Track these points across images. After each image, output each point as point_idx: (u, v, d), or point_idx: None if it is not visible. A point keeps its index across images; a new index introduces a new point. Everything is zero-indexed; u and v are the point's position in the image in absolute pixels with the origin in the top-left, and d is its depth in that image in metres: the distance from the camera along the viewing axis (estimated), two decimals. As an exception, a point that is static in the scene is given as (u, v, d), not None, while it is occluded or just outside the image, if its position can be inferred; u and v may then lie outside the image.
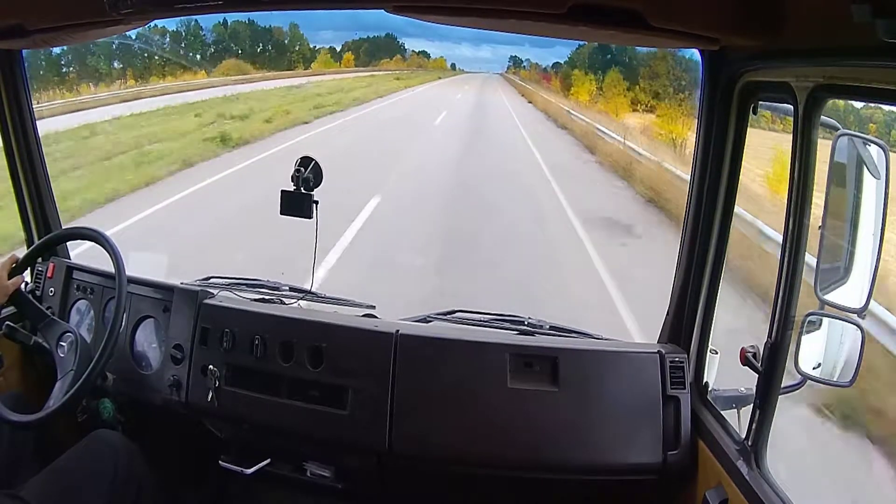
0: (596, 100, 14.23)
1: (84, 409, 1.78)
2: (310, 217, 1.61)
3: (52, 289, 1.88)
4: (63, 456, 1.48)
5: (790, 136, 1.15)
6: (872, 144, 1.15)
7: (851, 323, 1.17)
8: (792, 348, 1.22)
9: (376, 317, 1.73)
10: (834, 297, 1.17)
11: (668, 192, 7.19)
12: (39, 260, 1.90)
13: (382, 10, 1.24)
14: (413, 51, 20.50)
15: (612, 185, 8.71)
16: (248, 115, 12.18)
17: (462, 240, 5.94)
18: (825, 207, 1.18)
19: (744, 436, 1.30)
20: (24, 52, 1.81)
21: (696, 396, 1.52)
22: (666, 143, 10.36)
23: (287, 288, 1.84)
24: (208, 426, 1.72)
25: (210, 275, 1.89)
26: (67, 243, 1.98)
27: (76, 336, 1.62)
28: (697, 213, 1.47)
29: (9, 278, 1.63)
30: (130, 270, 1.68)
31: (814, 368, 1.22)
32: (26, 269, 1.74)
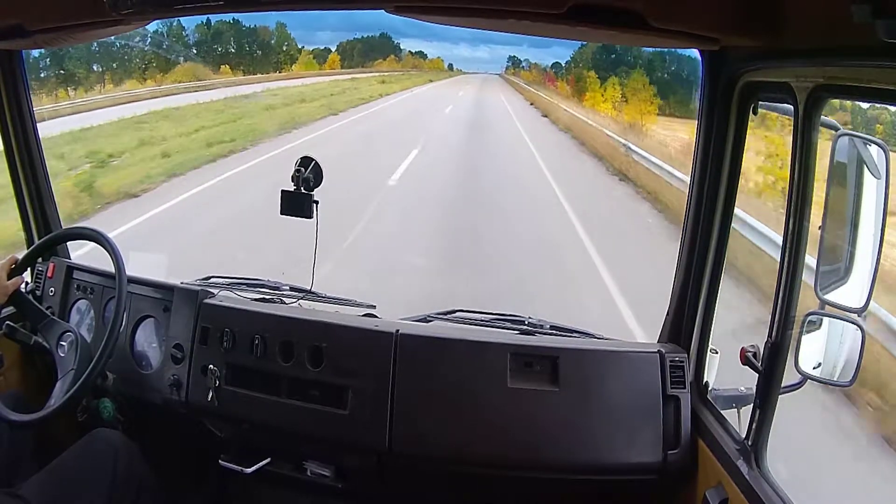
0: (619, 107, 11.39)
1: (84, 408, 1.78)
2: (310, 217, 1.61)
3: (53, 289, 1.88)
4: (63, 455, 1.48)
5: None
6: (873, 144, 1.15)
7: (852, 323, 1.17)
8: (792, 348, 1.22)
9: (376, 316, 1.73)
10: (834, 296, 1.17)
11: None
12: (39, 260, 1.90)
13: (381, 11, 1.25)
14: (409, 51, 18.97)
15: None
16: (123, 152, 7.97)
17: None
18: (825, 207, 1.18)
19: (744, 435, 1.30)
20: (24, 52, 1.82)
21: (696, 396, 1.52)
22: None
23: (287, 288, 1.84)
24: (208, 426, 1.72)
25: (210, 274, 1.89)
26: (67, 243, 1.98)
27: (76, 336, 1.62)
28: (697, 213, 1.47)
29: (8, 279, 1.63)
30: (130, 270, 1.68)
31: (814, 368, 1.22)
32: (26, 269, 1.74)
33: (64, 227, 1.96)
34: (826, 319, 1.20)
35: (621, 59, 12.01)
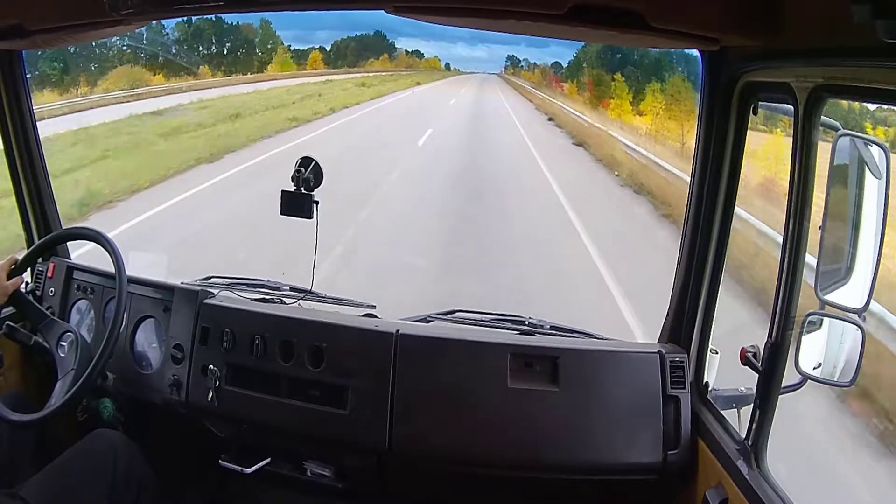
0: (660, 120, 8.85)
1: (84, 408, 1.78)
2: (310, 217, 1.61)
3: (53, 289, 1.88)
4: (63, 455, 1.48)
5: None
6: (873, 145, 1.15)
7: (852, 323, 1.17)
8: (792, 348, 1.22)
9: (377, 316, 1.73)
10: (834, 297, 1.17)
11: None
12: (40, 260, 1.90)
13: (381, 11, 1.24)
14: (405, 50, 17.80)
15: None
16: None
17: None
18: (826, 207, 1.18)
19: (744, 435, 1.30)
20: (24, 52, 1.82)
21: (696, 396, 1.52)
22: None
23: (287, 288, 1.84)
24: (208, 426, 1.72)
25: (210, 274, 1.89)
26: (68, 243, 1.98)
27: (76, 336, 1.62)
28: (697, 213, 1.47)
29: (8, 279, 1.63)
30: (130, 270, 1.68)
31: (814, 368, 1.22)
32: (26, 269, 1.74)
33: (64, 227, 1.97)
34: (826, 320, 1.20)
35: (627, 59, 10.91)
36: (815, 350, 1.22)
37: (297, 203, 1.61)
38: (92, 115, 8.77)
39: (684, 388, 1.51)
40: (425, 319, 1.73)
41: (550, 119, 12.07)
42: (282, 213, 1.62)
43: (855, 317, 1.17)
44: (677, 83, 9.09)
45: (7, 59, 1.77)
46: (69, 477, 1.45)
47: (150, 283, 1.79)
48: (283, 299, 1.80)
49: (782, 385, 1.24)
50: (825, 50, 1.03)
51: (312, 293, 1.80)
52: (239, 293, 1.80)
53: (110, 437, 1.56)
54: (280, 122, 11.09)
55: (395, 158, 8.53)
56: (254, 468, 1.66)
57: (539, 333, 1.67)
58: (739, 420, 1.41)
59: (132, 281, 1.72)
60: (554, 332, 1.69)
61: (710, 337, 1.52)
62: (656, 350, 1.54)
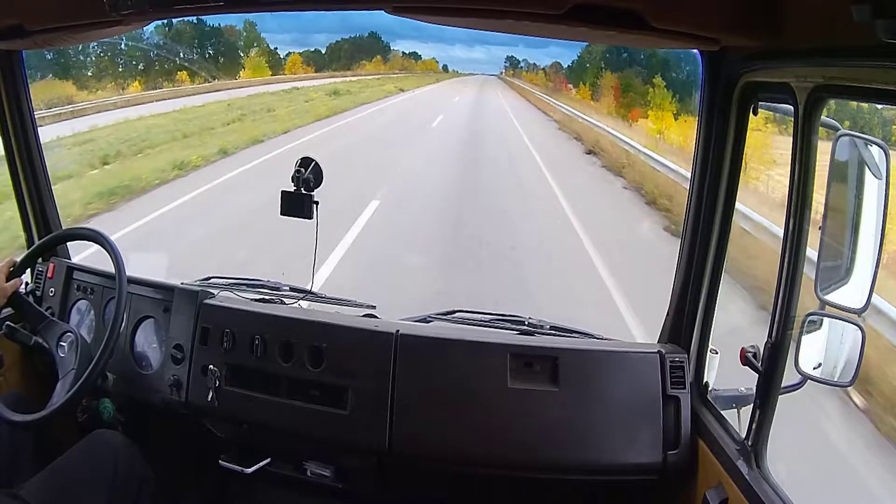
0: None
1: (84, 408, 1.78)
2: (310, 217, 1.61)
3: (53, 289, 1.88)
4: (63, 455, 1.48)
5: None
6: (873, 145, 1.15)
7: (852, 323, 1.17)
8: (792, 348, 1.22)
9: (376, 317, 1.73)
10: (834, 297, 1.17)
11: None
12: (40, 260, 1.90)
13: (380, 13, 1.24)
14: (402, 52, 16.59)
15: None
16: None
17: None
18: (825, 207, 1.18)
19: (744, 435, 1.30)
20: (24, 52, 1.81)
21: (696, 396, 1.52)
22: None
23: (287, 288, 1.84)
24: (208, 426, 1.72)
25: (210, 275, 1.89)
26: (68, 244, 1.98)
27: (76, 336, 1.62)
28: (697, 213, 1.47)
29: (7, 280, 1.63)
30: (130, 270, 1.68)
31: (814, 368, 1.22)
32: (25, 270, 1.73)
33: (64, 228, 1.97)
34: (826, 320, 1.20)
35: (634, 59, 9.88)
36: (815, 350, 1.22)
37: (297, 203, 1.61)
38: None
39: (684, 388, 1.51)
40: (425, 320, 1.73)
41: (577, 138, 8.66)
42: (282, 214, 1.62)
43: (855, 317, 1.17)
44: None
45: (7, 59, 1.77)
46: (69, 477, 1.45)
47: (149, 283, 1.78)
48: (283, 299, 1.80)
49: (782, 385, 1.24)
50: (825, 50, 1.03)
51: (312, 293, 1.80)
52: (239, 293, 1.80)
53: (110, 438, 1.56)
54: (154, 171, 7.35)
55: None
56: (254, 468, 1.66)
57: (539, 333, 1.67)
58: (739, 420, 1.41)
59: (132, 281, 1.72)
60: (554, 332, 1.69)
61: (710, 337, 1.52)
62: (656, 350, 1.54)
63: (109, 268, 1.68)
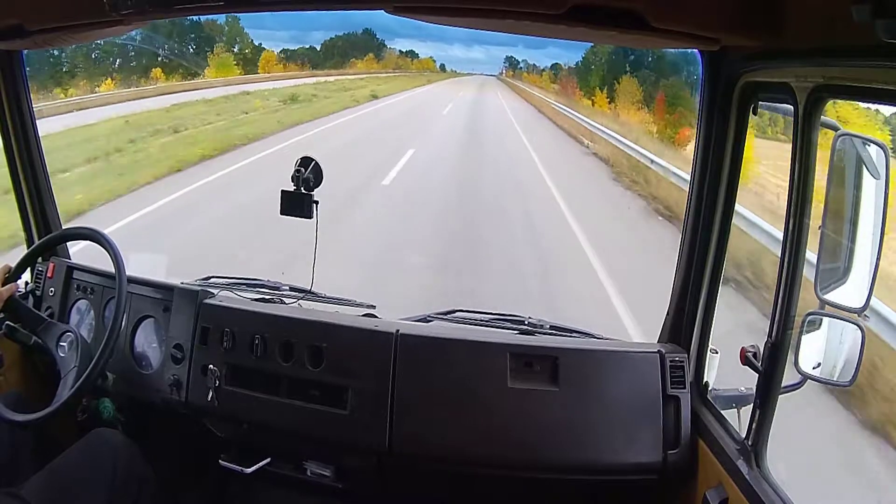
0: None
1: (84, 408, 1.78)
2: (310, 217, 1.61)
3: (53, 289, 1.88)
4: (63, 455, 1.48)
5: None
6: (872, 144, 1.15)
7: (851, 323, 1.17)
8: (792, 348, 1.22)
9: (376, 316, 1.73)
10: (834, 296, 1.17)
11: None
12: (39, 260, 1.90)
13: (379, 12, 1.24)
14: (399, 50, 15.90)
15: None
16: None
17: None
18: (825, 207, 1.19)
19: (744, 435, 1.30)
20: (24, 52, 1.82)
21: (696, 396, 1.53)
22: None
23: (287, 288, 1.84)
24: (208, 426, 1.72)
25: (210, 274, 1.89)
26: (68, 244, 1.98)
27: (76, 336, 1.62)
28: (697, 213, 1.47)
29: (3, 285, 1.63)
30: (130, 270, 1.68)
31: (814, 368, 1.23)
32: (21, 275, 1.72)
33: (63, 227, 1.96)
34: (826, 319, 1.20)
35: (640, 61, 9.30)
36: (814, 350, 1.22)
37: (297, 203, 1.61)
38: None
39: (684, 387, 1.51)
40: (425, 319, 1.73)
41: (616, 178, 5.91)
42: (281, 213, 1.62)
43: (855, 316, 1.17)
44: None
45: (7, 59, 1.77)
46: (69, 477, 1.44)
47: (149, 282, 1.78)
48: (283, 299, 1.80)
49: (782, 385, 1.24)
50: (825, 50, 1.04)
51: (312, 293, 1.80)
52: (239, 293, 1.80)
53: (110, 437, 1.56)
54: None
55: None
56: (254, 468, 1.66)
57: (539, 333, 1.68)
58: (739, 420, 1.41)
59: (132, 281, 1.72)
60: (554, 331, 1.69)
61: (710, 337, 1.52)
62: (656, 350, 1.54)
63: (109, 267, 1.68)
